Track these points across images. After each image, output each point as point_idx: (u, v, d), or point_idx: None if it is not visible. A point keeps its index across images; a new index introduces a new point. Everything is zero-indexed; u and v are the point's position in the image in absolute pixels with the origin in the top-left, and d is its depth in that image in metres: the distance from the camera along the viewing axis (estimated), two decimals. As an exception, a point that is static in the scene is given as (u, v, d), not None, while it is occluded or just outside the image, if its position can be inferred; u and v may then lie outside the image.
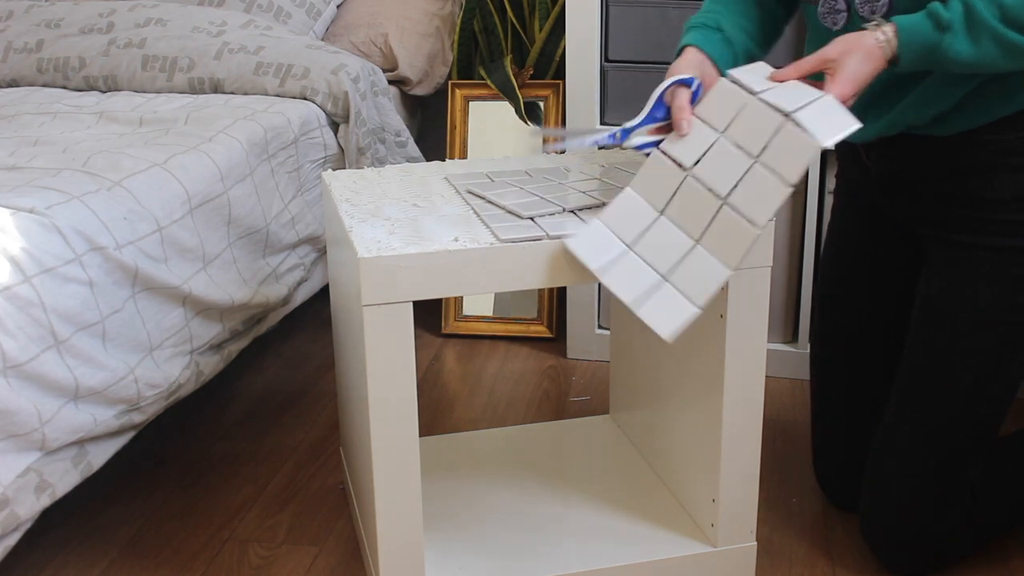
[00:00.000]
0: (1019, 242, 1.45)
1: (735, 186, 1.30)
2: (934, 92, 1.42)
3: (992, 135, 1.43)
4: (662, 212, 1.34)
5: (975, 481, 1.55)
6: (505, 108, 2.38)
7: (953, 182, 1.48)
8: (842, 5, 1.47)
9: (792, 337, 2.18)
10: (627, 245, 1.34)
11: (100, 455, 1.52)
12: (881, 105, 1.47)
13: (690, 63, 1.44)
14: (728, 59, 1.47)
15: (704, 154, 1.34)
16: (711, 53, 1.45)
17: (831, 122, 1.27)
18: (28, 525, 1.41)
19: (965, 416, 1.50)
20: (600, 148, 1.43)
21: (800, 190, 2.08)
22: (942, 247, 1.51)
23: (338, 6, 2.55)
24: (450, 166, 1.66)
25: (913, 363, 1.53)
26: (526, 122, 2.36)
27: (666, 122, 1.40)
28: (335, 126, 2.14)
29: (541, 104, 2.38)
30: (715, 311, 1.44)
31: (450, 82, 2.43)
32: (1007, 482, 1.59)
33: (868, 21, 1.38)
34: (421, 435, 1.86)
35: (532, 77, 2.40)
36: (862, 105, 1.44)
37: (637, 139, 1.39)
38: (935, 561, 1.57)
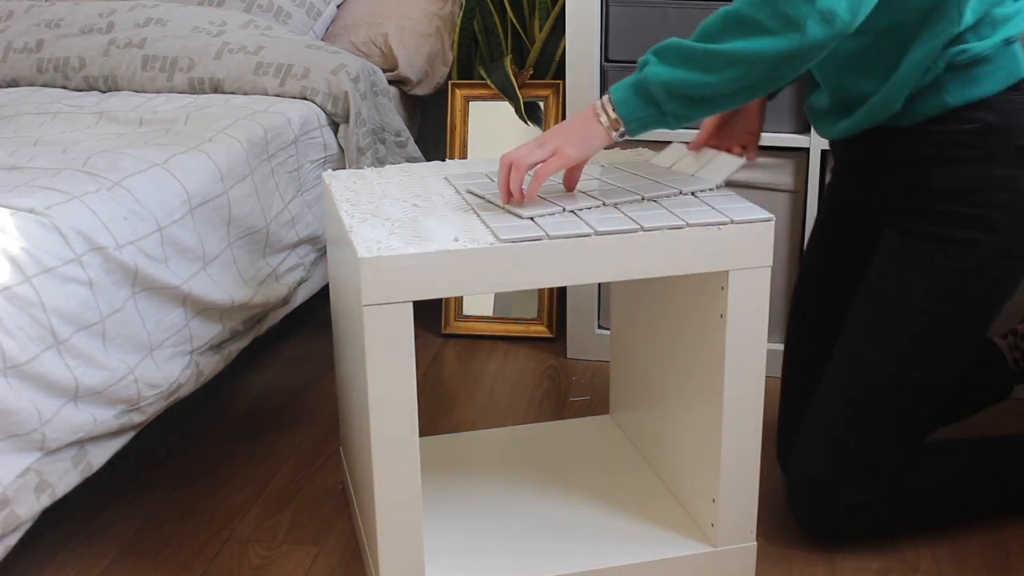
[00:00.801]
0: (959, 234, 1.48)
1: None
2: (880, 106, 1.47)
3: (935, 127, 1.47)
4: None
5: (897, 465, 1.58)
6: (505, 108, 2.38)
7: (904, 172, 1.52)
8: None
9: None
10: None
11: (100, 455, 1.52)
12: (839, 112, 1.54)
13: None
14: None
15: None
16: None
17: None
18: (28, 525, 1.41)
19: (885, 398, 1.55)
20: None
21: (800, 191, 2.08)
22: (891, 234, 1.56)
23: (338, 6, 2.55)
24: (450, 166, 1.66)
25: (845, 342, 1.58)
26: (526, 122, 2.36)
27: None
28: (335, 126, 2.14)
29: (541, 104, 2.38)
30: (715, 311, 1.44)
31: (450, 82, 2.43)
32: (930, 479, 1.63)
33: None
34: (421, 435, 1.86)
35: (532, 77, 2.40)
36: (823, 112, 1.56)
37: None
38: (850, 529, 1.61)
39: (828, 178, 1.75)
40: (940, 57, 1.43)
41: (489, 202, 1.46)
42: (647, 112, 1.37)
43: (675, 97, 1.34)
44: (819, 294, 1.73)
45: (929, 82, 1.44)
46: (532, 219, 1.38)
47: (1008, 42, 1.45)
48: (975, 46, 1.42)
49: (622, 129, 1.38)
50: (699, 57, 1.33)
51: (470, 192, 1.51)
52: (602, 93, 2.14)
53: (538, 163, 1.40)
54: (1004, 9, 1.43)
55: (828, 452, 1.57)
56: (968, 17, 1.40)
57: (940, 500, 1.64)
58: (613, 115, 1.37)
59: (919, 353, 1.53)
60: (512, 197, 1.41)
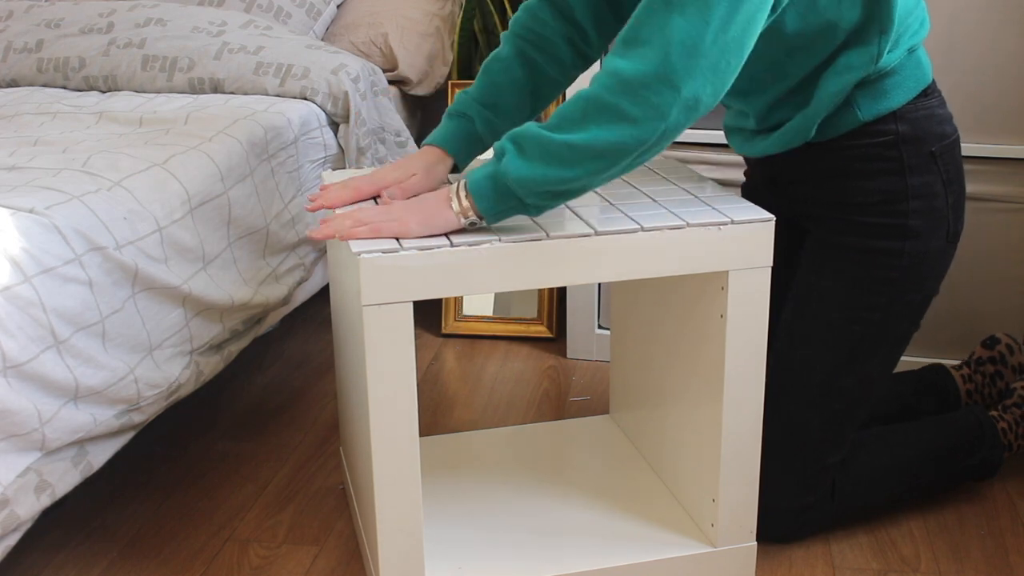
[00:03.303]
0: (882, 244, 1.50)
1: None
2: (797, 131, 1.48)
3: (848, 141, 1.48)
4: None
5: (836, 464, 1.60)
6: (505, 108, 2.38)
7: (820, 185, 1.53)
8: None
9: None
10: None
11: (100, 455, 1.52)
12: (756, 133, 1.56)
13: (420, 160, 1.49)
14: (466, 150, 1.52)
15: None
16: (450, 150, 1.50)
17: None
18: (28, 525, 1.41)
19: (819, 407, 1.57)
20: None
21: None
22: (815, 244, 1.57)
23: (338, 6, 2.55)
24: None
25: (777, 353, 1.58)
26: (526, 122, 2.36)
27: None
28: (335, 126, 2.14)
29: (541, 104, 2.38)
30: (715, 311, 1.44)
31: (450, 82, 2.43)
32: (869, 468, 1.65)
33: None
34: (421, 435, 1.86)
35: (532, 77, 2.39)
36: (737, 130, 1.58)
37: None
38: (795, 531, 1.63)
39: (743, 181, 1.74)
40: None
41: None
42: (506, 205, 1.32)
43: (536, 193, 1.30)
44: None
45: (841, 100, 1.45)
46: (533, 219, 1.38)
47: (911, 51, 1.46)
48: (882, 61, 1.42)
49: (473, 218, 1.33)
50: (560, 151, 1.27)
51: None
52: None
53: (376, 222, 1.34)
54: (906, 19, 1.43)
55: (769, 459, 1.57)
56: (885, 46, 1.40)
57: (882, 486, 1.67)
58: (466, 203, 1.32)
59: (851, 360, 1.55)
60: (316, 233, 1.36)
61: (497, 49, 1.56)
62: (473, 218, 1.33)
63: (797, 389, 1.57)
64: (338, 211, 1.43)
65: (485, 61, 1.56)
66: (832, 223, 1.53)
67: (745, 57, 1.29)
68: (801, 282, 1.58)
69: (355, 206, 1.44)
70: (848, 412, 1.58)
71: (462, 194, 1.33)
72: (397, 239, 1.33)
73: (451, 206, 1.33)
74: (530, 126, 1.30)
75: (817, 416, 1.57)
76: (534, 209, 1.32)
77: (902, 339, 1.58)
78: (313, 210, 1.47)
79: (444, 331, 2.40)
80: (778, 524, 1.61)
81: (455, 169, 1.52)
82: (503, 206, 1.32)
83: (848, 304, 1.53)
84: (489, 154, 1.43)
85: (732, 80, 1.29)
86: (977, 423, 1.72)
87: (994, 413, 1.77)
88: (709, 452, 1.50)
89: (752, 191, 1.68)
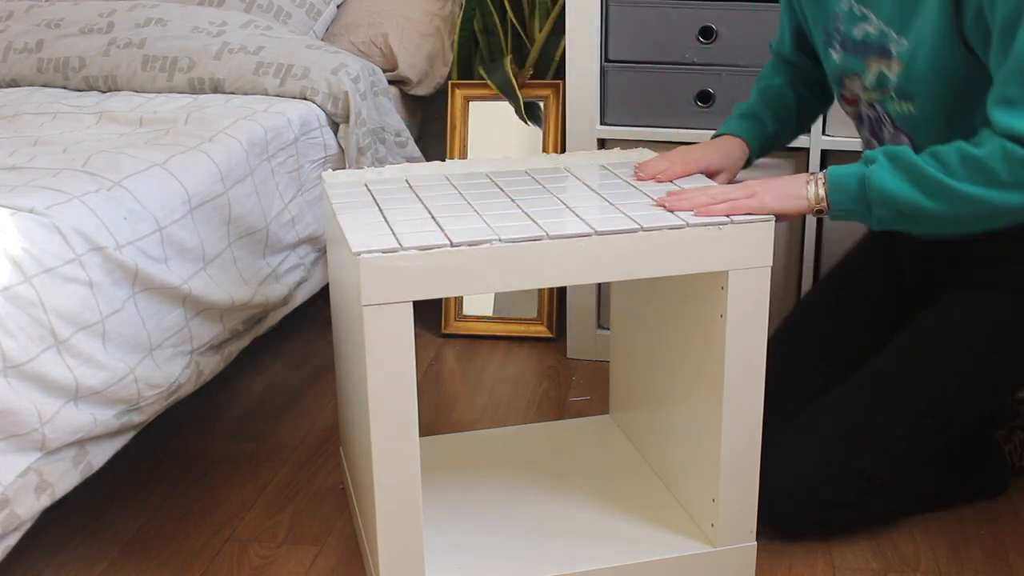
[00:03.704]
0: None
1: None
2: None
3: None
4: None
5: (882, 480, 1.60)
6: (505, 108, 2.38)
7: (976, 266, 1.58)
8: (875, 144, 1.63)
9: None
10: None
11: (100, 455, 1.52)
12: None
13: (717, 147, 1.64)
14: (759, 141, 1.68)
15: None
16: (745, 136, 1.66)
17: None
18: (28, 525, 1.41)
19: (910, 420, 1.57)
20: None
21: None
22: (959, 291, 1.60)
23: (338, 6, 2.55)
24: (450, 166, 1.66)
25: (888, 360, 1.59)
26: (526, 122, 2.36)
27: None
28: (335, 126, 2.14)
29: (541, 104, 2.38)
30: (715, 311, 1.44)
31: (450, 82, 2.43)
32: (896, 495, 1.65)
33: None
34: (421, 435, 1.86)
35: (532, 77, 2.40)
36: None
37: None
38: (812, 525, 1.63)
39: (870, 235, 1.81)
40: None
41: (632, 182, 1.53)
42: (856, 207, 1.41)
43: (888, 207, 1.39)
44: (834, 316, 1.76)
45: None
46: (534, 219, 1.38)
47: None
48: None
49: (822, 207, 1.42)
50: (929, 183, 1.37)
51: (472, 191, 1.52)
52: (602, 93, 2.15)
53: (732, 199, 1.40)
54: None
55: (820, 458, 1.57)
56: None
57: (903, 504, 1.67)
58: (821, 193, 1.42)
59: (958, 391, 1.57)
60: (662, 200, 1.43)
61: (768, 77, 1.76)
62: (822, 207, 1.42)
63: (899, 396, 1.57)
64: (680, 185, 1.52)
65: (759, 85, 1.74)
66: (983, 282, 1.58)
67: None
68: (931, 312, 1.61)
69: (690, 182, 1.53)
70: (930, 436, 1.59)
71: (820, 184, 1.42)
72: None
73: (806, 190, 1.42)
74: (906, 149, 1.39)
75: (904, 428, 1.57)
76: (875, 221, 1.42)
77: (1009, 390, 1.63)
78: (645, 179, 1.55)
79: (444, 331, 2.40)
80: (800, 513, 1.60)
81: (746, 165, 1.66)
82: (853, 207, 1.42)
83: (984, 342, 1.56)
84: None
85: None
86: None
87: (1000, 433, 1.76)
88: (709, 452, 1.50)
89: (884, 253, 1.74)
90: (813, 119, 1.84)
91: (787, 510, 1.60)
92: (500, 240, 1.32)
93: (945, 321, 1.59)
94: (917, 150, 1.51)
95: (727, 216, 1.38)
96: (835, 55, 1.59)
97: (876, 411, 1.58)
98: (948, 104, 1.47)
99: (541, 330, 2.38)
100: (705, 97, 2.10)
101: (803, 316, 1.79)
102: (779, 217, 1.42)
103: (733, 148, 1.64)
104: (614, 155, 1.70)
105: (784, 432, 1.61)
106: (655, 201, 1.44)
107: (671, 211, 1.40)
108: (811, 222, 2.09)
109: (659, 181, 1.54)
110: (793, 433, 1.61)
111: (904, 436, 1.58)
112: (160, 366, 1.59)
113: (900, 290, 1.73)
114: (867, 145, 1.66)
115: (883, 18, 1.48)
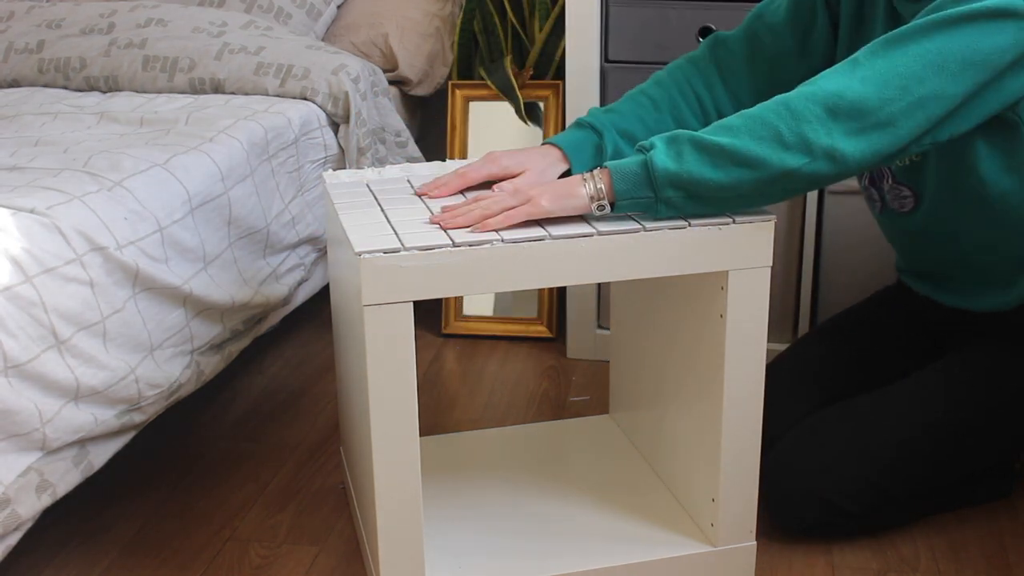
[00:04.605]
0: None
1: None
2: None
3: None
4: None
5: (894, 495, 1.61)
6: (505, 108, 2.38)
7: (1005, 317, 1.61)
8: (875, 195, 1.62)
9: (792, 337, 2.18)
10: None
11: (101, 455, 1.52)
12: (989, 284, 1.61)
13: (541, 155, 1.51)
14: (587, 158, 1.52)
15: None
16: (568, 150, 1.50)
17: None
18: (29, 525, 1.41)
19: (931, 445, 1.58)
20: None
21: (800, 190, 2.08)
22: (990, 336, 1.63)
23: (338, 6, 2.55)
24: (450, 166, 1.66)
25: (918, 380, 1.61)
26: (526, 122, 2.36)
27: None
28: (335, 126, 2.14)
29: (541, 104, 2.38)
30: (715, 311, 1.44)
31: (450, 82, 2.44)
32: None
33: (900, 212, 1.59)
34: (421, 435, 1.86)
35: (532, 77, 2.40)
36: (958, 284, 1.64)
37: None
38: (817, 528, 1.62)
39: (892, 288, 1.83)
40: None
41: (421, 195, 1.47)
42: (642, 193, 1.33)
43: (676, 186, 1.32)
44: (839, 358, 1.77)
45: None
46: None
47: None
48: None
49: (604, 202, 1.34)
50: (711, 150, 1.31)
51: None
52: (602, 93, 2.15)
53: (507, 207, 1.35)
54: None
55: (847, 461, 1.57)
56: None
57: (908, 519, 1.68)
58: (601, 187, 1.34)
59: (988, 421, 1.59)
60: (435, 218, 1.37)
61: (645, 84, 1.60)
62: (604, 202, 1.34)
63: (926, 420, 1.58)
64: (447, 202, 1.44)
65: (632, 91, 1.60)
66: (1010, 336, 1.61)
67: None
68: (968, 349, 1.63)
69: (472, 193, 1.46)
70: (954, 461, 1.61)
71: (598, 177, 1.34)
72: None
73: (583, 189, 1.35)
74: (685, 131, 1.34)
75: (925, 454, 1.58)
76: (664, 207, 1.33)
77: None
78: (424, 195, 1.48)
79: (444, 331, 2.40)
80: (805, 515, 1.60)
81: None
82: (640, 193, 1.33)
83: (1016, 378, 1.59)
84: None
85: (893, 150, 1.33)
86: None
87: None
88: (709, 452, 1.50)
89: (903, 308, 1.75)
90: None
91: (794, 510, 1.60)
92: (502, 240, 1.32)
93: (985, 359, 1.60)
94: (920, 201, 1.53)
95: (503, 228, 1.33)
96: None
97: (900, 429, 1.58)
98: (947, 160, 1.48)
99: (541, 330, 2.38)
100: (705, 97, 2.10)
101: (798, 349, 1.80)
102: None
103: (546, 159, 1.50)
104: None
105: (801, 431, 1.62)
106: (429, 219, 1.38)
107: (446, 229, 1.34)
108: (811, 222, 2.09)
109: (433, 197, 1.47)
110: (814, 434, 1.61)
111: (925, 460, 1.59)
112: (161, 366, 1.59)
113: (914, 342, 1.74)
114: (866, 194, 1.66)
115: None
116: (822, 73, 1.34)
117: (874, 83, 1.30)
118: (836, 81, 1.31)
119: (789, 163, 1.29)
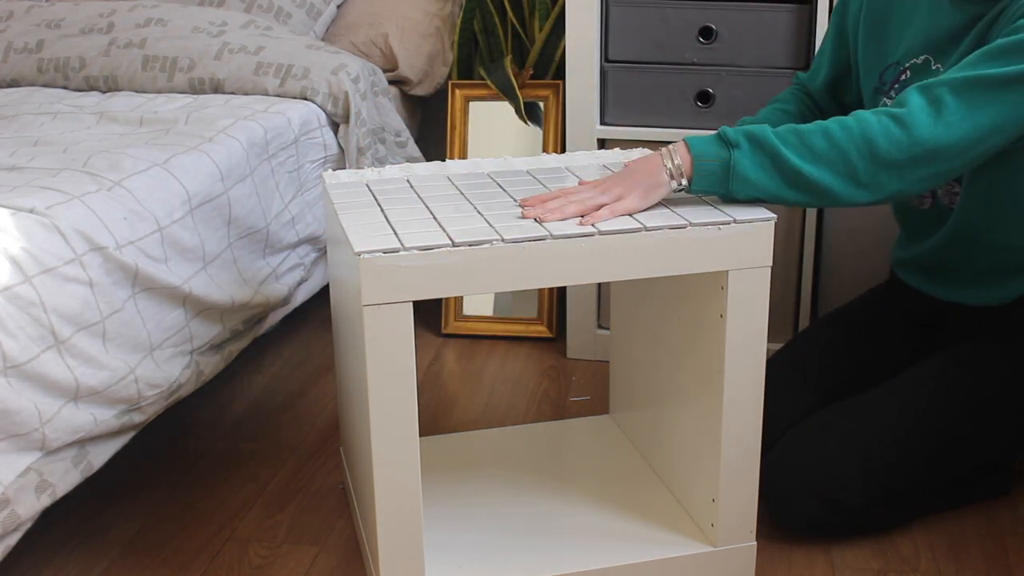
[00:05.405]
0: None
1: None
2: None
3: None
4: None
5: (896, 491, 1.61)
6: (505, 108, 2.38)
7: (1007, 311, 1.62)
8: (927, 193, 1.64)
9: (792, 337, 2.18)
10: None
11: (100, 455, 1.52)
12: (988, 277, 1.63)
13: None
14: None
15: None
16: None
17: None
18: (28, 525, 1.41)
19: (932, 446, 1.58)
20: None
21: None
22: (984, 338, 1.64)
23: (338, 6, 2.55)
24: (450, 166, 1.66)
25: (916, 379, 1.62)
26: (526, 122, 2.36)
27: None
28: (335, 126, 2.14)
29: (541, 104, 2.38)
30: (715, 311, 1.44)
31: (450, 82, 2.44)
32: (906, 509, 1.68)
33: (919, 208, 1.62)
34: (421, 435, 1.86)
35: (532, 77, 2.40)
36: (955, 276, 1.66)
37: None
38: (817, 527, 1.62)
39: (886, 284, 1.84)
40: None
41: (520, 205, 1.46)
42: (717, 190, 1.40)
43: (748, 193, 1.39)
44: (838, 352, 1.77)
45: None
46: (535, 219, 1.38)
47: None
48: None
49: (683, 180, 1.40)
50: (787, 173, 1.37)
51: (472, 191, 1.51)
52: (602, 93, 2.15)
53: (604, 204, 1.39)
54: None
55: (849, 457, 1.57)
56: None
57: (907, 518, 1.69)
58: (684, 183, 1.39)
59: (989, 424, 1.60)
60: (531, 212, 1.40)
61: (784, 102, 1.73)
62: (683, 181, 1.40)
63: (927, 420, 1.59)
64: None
65: (773, 105, 1.72)
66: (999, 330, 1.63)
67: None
68: (966, 344, 1.64)
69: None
70: (957, 460, 1.62)
71: (682, 168, 1.39)
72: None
73: (664, 175, 1.40)
74: (768, 133, 1.38)
75: (924, 453, 1.59)
76: (730, 199, 1.41)
77: None
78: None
79: (444, 331, 2.40)
80: (806, 512, 1.60)
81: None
82: (714, 189, 1.41)
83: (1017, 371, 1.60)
84: None
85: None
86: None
87: None
88: (709, 452, 1.50)
89: (896, 305, 1.76)
90: None
91: (794, 509, 1.60)
92: (502, 240, 1.32)
93: (979, 355, 1.62)
94: (961, 196, 1.55)
95: (593, 225, 1.36)
96: (888, 103, 1.58)
97: (898, 426, 1.58)
98: (985, 169, 1.50)
99: (541, 330, 2.38)
100: (705, 97, 2.10)
101: (796, 346, 1.80)
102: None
103: None
104: (614, 155, 1.70)
105: (800, 430, 1.62)
106: (522, 214, 1.40)
107: (541, 222, 1.37)
108: (811, 223, 2.09)
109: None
110: (813, 432, 1.61)
111: (924, 456, 1.59)
112: (160, 366, 1.59)
113: (906, 339, 1.75)
114: None
115: None
116: (911, 101, 1.37)
117: (957, 132, 1.36)
118: (921, 125, 1.35)
119: (857, 199, 1.38)
